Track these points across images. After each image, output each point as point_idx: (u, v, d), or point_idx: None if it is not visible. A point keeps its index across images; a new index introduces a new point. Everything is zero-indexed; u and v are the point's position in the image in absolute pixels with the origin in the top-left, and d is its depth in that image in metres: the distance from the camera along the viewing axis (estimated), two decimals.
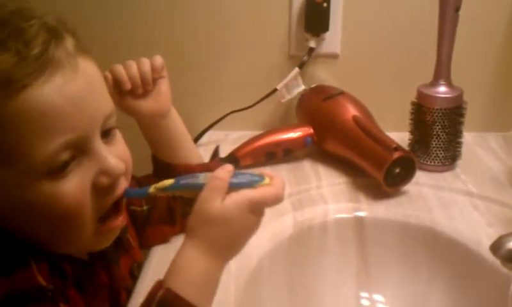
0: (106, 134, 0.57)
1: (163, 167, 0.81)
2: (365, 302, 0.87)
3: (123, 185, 0.59)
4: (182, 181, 0.58)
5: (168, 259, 0.56)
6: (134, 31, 1.11)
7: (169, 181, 0.58)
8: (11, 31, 0.50)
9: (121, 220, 0.60)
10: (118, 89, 0.75)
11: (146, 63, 0.76)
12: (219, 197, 0.54)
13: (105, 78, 0.69)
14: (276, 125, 1.15)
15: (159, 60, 0.78)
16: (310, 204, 0.91)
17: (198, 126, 1.13)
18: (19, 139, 0.50)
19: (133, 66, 0.75)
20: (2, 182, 0.52)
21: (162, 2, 1.10)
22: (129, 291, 0.71)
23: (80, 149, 0.53)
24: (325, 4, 1.06)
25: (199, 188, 0.55)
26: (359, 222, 0.88)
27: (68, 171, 0.53)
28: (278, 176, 0.57)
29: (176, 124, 0.82)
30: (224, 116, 1.11)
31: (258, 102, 1.11)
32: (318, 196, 0.93)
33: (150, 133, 0.81)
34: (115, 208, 0.59)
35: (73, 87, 0.52)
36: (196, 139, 1.12)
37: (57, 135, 0.51)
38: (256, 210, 0.55)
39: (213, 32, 1.12)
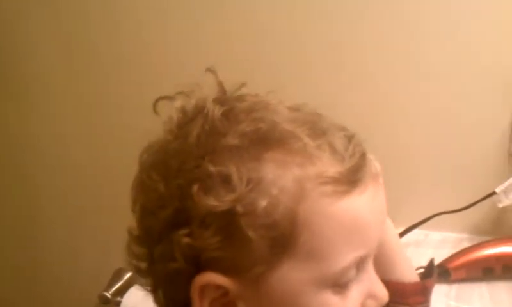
0: None
1: None
2: None
3: None
4: None
5: None
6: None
7: None
8: (335, 137, 0.49)
9: None
10: None
11: None
12: None
13: None
14: (486, 231, 1.02)
15: (376, 168, 0.70)
16: None
17: (397, 221, 1.04)
18: (328, 240, 0.48)
19: None
20: (294, 278, 0.48)
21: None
22: None
23: (359, 267, 0.50)
24: None
25: None
26: None
27: (349, 287, 0.50)
28: None
29: (391, 237, 0.72)
30: (431, 217, 1.00)
31: (472, 205, 0.99)
32: None
33: None
34: None
35: (378, 202, 0.51)
36: None
37: (358, 247, 0.49)
38: None
39: (425, 124, 1.04)
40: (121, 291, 1.27)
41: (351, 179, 0.48)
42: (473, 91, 1.01)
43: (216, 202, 0.45)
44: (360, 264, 0.50)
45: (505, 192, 0.97)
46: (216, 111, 0.49)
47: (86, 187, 1.32)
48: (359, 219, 0.49)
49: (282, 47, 1.08)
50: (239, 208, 0.45)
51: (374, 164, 0.52)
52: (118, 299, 1.26)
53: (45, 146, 1.32)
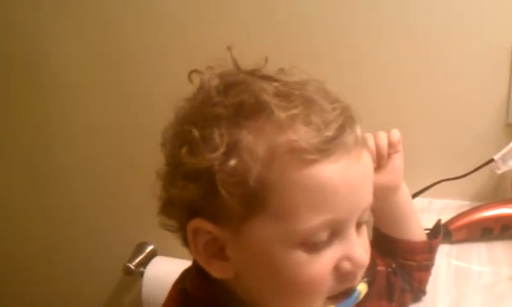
0: (358, 225, 0.57)
1: (384, 239, 0.80)
2: None
3: (359, 278, 0.58)
4: None
5: None
6: None
7: None
8: (318, 108, 0.53)
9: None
10: None
11: (383, 137, 0.76)
12: None
13: None
14: (486, 197, 1.09)
15: (396, 135, 0.77)
16: None
17: None
18: (294, 203, 0.52)
19: (370, 139, 0.74)
20: (266, 234, 0.54)
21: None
22: None
23: (335, 230, 0.54)
24: None
25: None
26: None
27: (320, 247, 0.54)
28: None
29: (406, 200, 0.79)
30: (434, 184, 1.07)
31: (472, 172, 1.05)
32: None
33: (376, 206, 0.78)
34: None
35: (353, 173, 0.54)
36: None
37: (325, 212, 0.52)
38: None
39: (426, 95, 1.10)
40: (144, 263, 1.35)
41: (321, 148, 0.51)
42: (472, 66, 1.07)
43: (199, 160, 0.53)
44: (334, 228, 0.54)
45: (503, 159, 1.03)
46: (212, 85, 0.56)
47: (110, 168, 1.38)
48: (327, 186, 0.52)
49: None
50: (216, 167, 0.52)
51: (358, 134, 0.55)
52: (141, 269, 1.34)
53: (69, 122, 1.39)
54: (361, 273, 0.58)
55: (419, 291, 0.82)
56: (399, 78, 1.12)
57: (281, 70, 0.59)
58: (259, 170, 0.52)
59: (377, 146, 0.74)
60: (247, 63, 0.58)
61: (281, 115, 0.52)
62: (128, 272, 1.35)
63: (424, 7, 1.07)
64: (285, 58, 0.56)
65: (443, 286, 0.86)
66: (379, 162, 0.75)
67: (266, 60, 0.59)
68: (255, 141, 0.52)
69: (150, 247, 1.39)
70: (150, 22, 1.24)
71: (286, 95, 0.54)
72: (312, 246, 0.53)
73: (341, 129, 0.53)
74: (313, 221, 0.52)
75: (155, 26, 1.24)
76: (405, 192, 0.79)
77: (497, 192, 1.09)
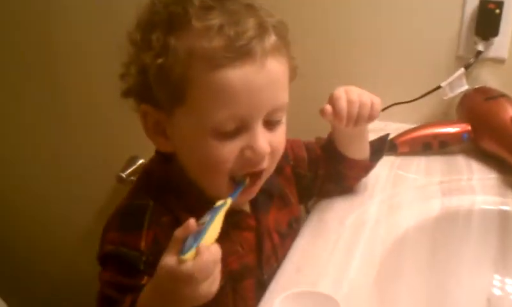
0: (271, 123, 0.70)
1: (334, 150, 0.91)
2: (496, 283, 0.92)
3: (264, 165, 0.71)
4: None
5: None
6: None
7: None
8: (234, 20, 0.65)
9: (244, 198, 0.74)
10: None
11: (367, 108, 0.82)
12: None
13: (325, 111, 0.80)
14: (435, 121, 1.20)
15: (379, 108, 0.84)
16: (459, 193, 0.97)
17: None
18: (204, 99, 0.66)
19: (355, 107, 0.81)
20: (186, 123, 0.68)
21: None
22: (283, 237, 0.85)
23: (243, 123, 0.68)
24: (497, 11, 1.11)
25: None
26: (504, 215, 0.93)
27: (228, 136, 0.68)
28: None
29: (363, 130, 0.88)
30: (386, 107, 1.18)
31: (421, 97, 1.18)
32: (467, 187, 0.98)
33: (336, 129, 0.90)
34: (252, 182, 0.73)
35: (254, 79, 0.66)
36: None
37: (227, 107, 0.66)
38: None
39: (383, 23, 1.21)
40: (134, 174, 1.50)
41: (227, 56, 0.63)
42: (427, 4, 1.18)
43: (139, 58, 0.68)
44: (240, 122, 0.66)
45: (450, 86, 1.17)
46: None
47: (106, 86, 1.49)
48: (228, 86, 0.64)
49: None
50: (149, 64, 0.67)
51: (268, 44, 0.66)
52: (132, 178, 1.49)
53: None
54: (264, 161, 0.70)
55: (347, 188, 0.96)
56: (356, 9, 1.21)
57: None
58: (179, 69, 0.65)
59: (358, 113, 0.81)
60: None
61: (198, 25, 0.65)
62: (120, 180, 1.49)
63: None
64: None
65: (381, 186, 1.00)
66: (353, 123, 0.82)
67: None
68: (178, 45, 0.66)
69: (141, 161, 1.53)
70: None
71: (209, 8, 0.66)
72: (220, 135, 0.67)
73: (250, 40, 0.64)
74: (219, 114, 0.66)
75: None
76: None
77: (445, 116, 1.21)
